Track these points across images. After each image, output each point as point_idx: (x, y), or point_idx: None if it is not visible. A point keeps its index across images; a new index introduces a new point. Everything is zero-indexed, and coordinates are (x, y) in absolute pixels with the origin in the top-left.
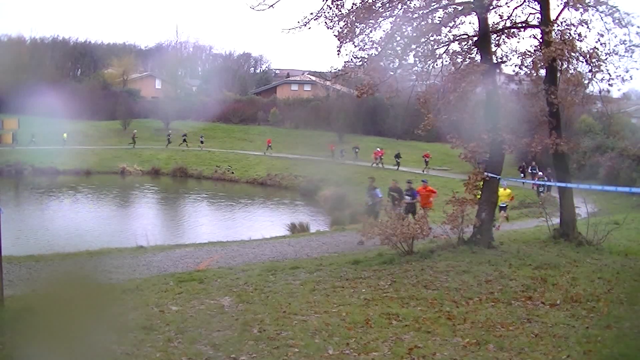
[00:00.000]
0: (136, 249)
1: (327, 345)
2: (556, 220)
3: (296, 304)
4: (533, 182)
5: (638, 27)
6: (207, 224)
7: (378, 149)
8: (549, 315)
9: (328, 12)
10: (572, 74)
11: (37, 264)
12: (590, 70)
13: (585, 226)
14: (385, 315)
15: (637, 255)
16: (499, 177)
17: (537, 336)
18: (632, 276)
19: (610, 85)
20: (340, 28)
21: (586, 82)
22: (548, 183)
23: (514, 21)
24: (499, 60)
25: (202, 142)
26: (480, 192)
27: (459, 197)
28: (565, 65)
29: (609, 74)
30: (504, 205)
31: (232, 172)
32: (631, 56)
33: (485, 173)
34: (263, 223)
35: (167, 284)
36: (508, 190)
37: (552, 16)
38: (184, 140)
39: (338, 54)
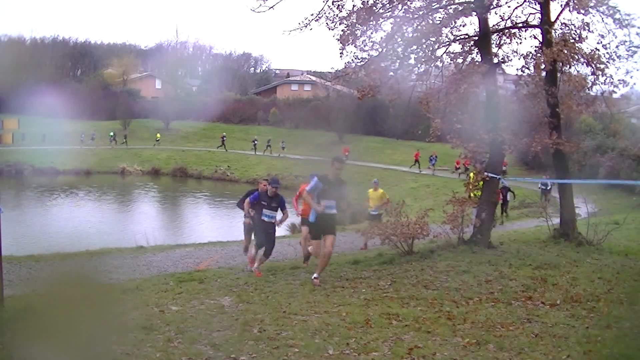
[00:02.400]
0: (136, 249)
1: (327, 345)
2: (556, 220)
3: (296, 304)
4: (536, 181)
5: (639, 27)
6: (207, 223)
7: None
8: (549, 315)
9: (329, 13)
10: (574, 75)
11: (37, 264)
12: (593, 73)
13: (585, 226)
14: (385, 315)
15: (637, 255)
16: (499, 177)
17: (537, 336)
18: (632, 276)
19: (614, 89)
20: (342, 30)
21: (589, 84)
22: (551, 180)
23: (514, 21)
24: (500, 60)
25: (283, 149)
26: (480, 192)
27: (459, 197)
28: (566, 67)
29: (611, 77)
30: (375, 212)
31: (227, 173)
32: (632, 57)
33: (485, 173)
34: None
35: (167, 284)
36: (380, 191)
37: (553, 17)
38: (268, 146)
39: (341, 56)
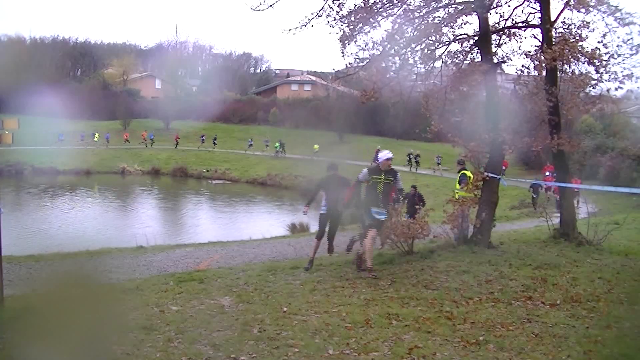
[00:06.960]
0: (136, 249)
1: (327, 345)
2: (556, 220)
3: (296, 304)
4: (538, 182)
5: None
6: (207, 223)
7: (549, 167)
8: (549, 315)
9: (330, 12)
10: (576, 74)
11: (37, 264)
12: (597, 71)
13: (586, 226)
14: (385, 315)
15: (637, 255)
16: (499, 177)
17: (537, 336)
18: (632, 276)
19: (619, 87)
20: (342, 30)
21: (593, 82)
22: (551, 183)
23: (514, 21)
24: (500, 60)
25: (418, 162)
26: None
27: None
28: (567, 66)
29: (615, 73)
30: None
31: (220, 173)
32: (635, 55)
33: (485, 173)
34: (263, 223)
35: (167, 284)
36: None
37: (553, 16)
38: (417, 160)
39: (343, 56)
